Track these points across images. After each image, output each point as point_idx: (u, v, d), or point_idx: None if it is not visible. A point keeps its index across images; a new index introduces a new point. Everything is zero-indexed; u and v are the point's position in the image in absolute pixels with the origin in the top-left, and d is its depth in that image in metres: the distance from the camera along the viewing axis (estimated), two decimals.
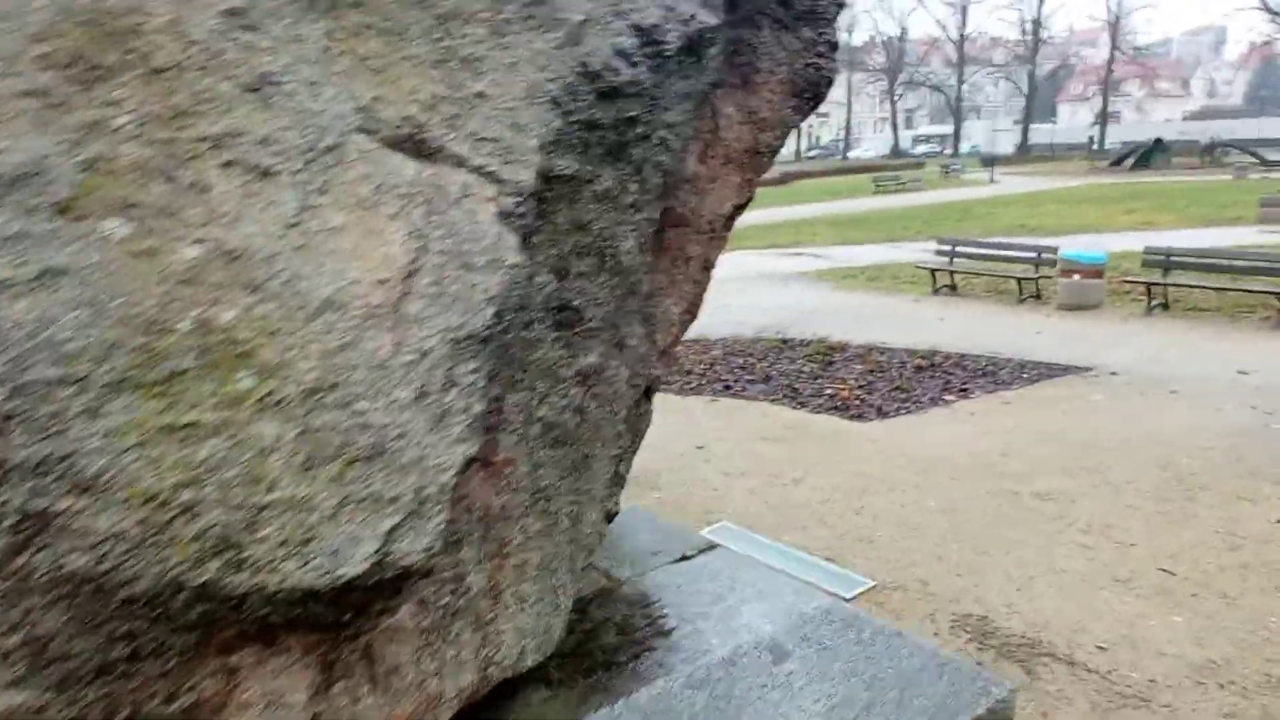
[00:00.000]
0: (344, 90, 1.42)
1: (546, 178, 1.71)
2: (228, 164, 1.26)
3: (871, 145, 58.27)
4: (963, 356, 7.58)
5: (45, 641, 1.07)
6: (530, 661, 1.97)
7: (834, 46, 2.62)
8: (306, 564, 1.15)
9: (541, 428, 1.83)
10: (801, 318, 9.43)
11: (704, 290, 2.70)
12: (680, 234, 2.54)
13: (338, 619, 1.26)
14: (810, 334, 8.59)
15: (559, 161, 1.72)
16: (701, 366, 7.57)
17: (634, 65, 1.84)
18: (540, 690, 2.07)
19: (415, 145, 1.49)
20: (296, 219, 1.29)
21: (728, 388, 6.88)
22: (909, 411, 6.16)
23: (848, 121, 59.42)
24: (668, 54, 1.95)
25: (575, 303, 1.86)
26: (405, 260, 1.35)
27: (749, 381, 7.04)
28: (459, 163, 1.53)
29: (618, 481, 2.63)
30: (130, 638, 1.10)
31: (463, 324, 1.39)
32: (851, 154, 55.82)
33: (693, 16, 2.02)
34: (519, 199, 1.59)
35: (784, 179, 35.06)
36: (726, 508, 4.50)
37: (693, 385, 7.05)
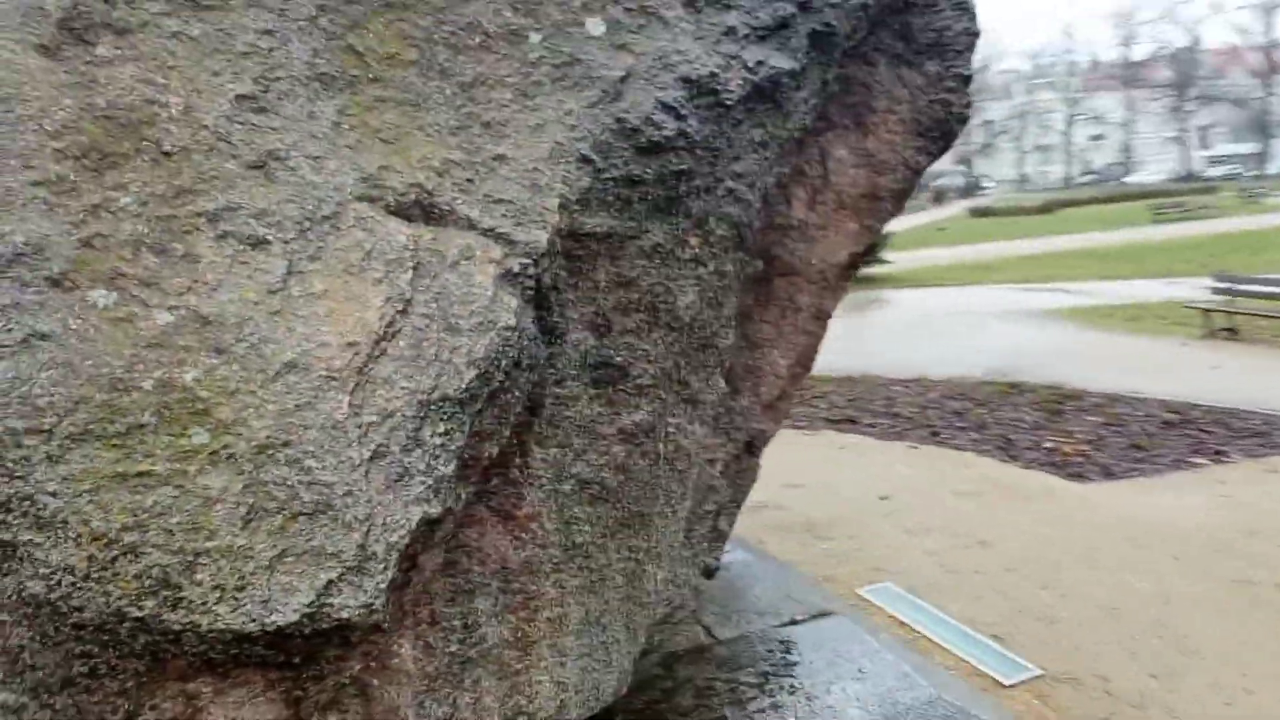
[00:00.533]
0: (349, 162, 1.51)
1: (576, 236, 1.70)
2: (222, 236, 1.38)
3: (1156, 168, 52.17)
4: (1229, 413, 6.56)
5: (17, 652, 1.22)
6: (575, 715, 1.95)
7: (966, 80, 2.41)
8: (237, 609, 1.22)
9: (575, 484, 1.82)
10: (1039, 360, 8.63)
11: (818, 341, 2.57)
12: (788, 283, 2.44)
13: (286, 660, 1.32)
14: (1044, 379, 7.84)
15: (589, 220, 1.71)
16: (912, 409, 7.14)
17: (680, 118, 1.79)
18: None
19: (423, 210, 1.56)
20: (279, 286, 1.39)
21: (934, 434, 6.44)
22: (1142, 474, 5.42)
23: (1126, 143, 53.85)
24: (728, 103, 1.88)
25: (617, 359, 1.83)
26: (379, 324, 1.41)
27: (959, 428, 6.54)
28: (469, 225, 1.58)
29: (716, 537, 2.55)
30: (86, 657, 1.23)
31: (435, 386, 1.42)
32: (1131, 178, 50.33)
33: (762, 62, 1.94)
34: (529, 260, 1.60)
35: (1047, 207, 32.37)
36: (896, 566, 4.18)
37: (896, 429, 6.67)
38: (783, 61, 2.00)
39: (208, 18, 1.47)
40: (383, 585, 1.32)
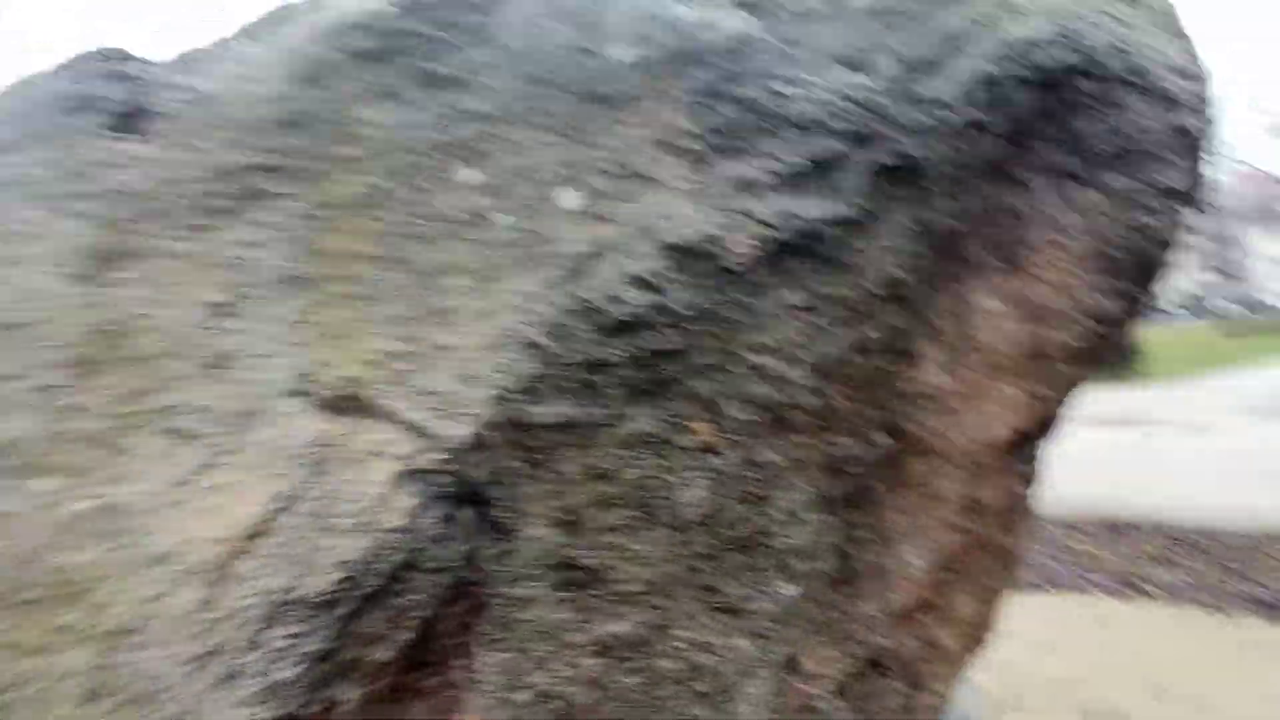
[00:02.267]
0: (291, 359, 1.62)
1: (523, 427, 1.60)
2: (167, 430, 1.57)
3: None
4: None
5: None
6: None
7: (1168, 193, 1.80)
8: None
9: (534, 695, 1.65)
10: None
11: (972, 539, 2.05)
12: (925, 465, 2.02)
13: None
14: None
15: (539, 409, 1.60)
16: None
17: (655, 291, 1.61)
18: None
19: (351, 403, 1.60)
20: (188, 478, 1.52)
21: (1269, 606, 4.56)
22: None
23: None
24: (733, 268, 1.64)
25: (586, 561, 1.65)
26: (253, 521, 1.46)
27: None
28: (390, 418, 1.58)
29: None
30: None
31: (292, 587, 1.42)
32: None
33: (789, 214, 1.66)
34: (446, 456, 1.54)
35: None
36: None
37: (1212, 599, 4.85)
38: (821, 210, 1.69)
39: (205, 236, 1.72)
40: None
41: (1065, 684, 4.16)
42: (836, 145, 1.70)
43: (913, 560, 2.03)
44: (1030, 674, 4.32)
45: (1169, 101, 1.86)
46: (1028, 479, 2.23)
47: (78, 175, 1.77)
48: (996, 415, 1.97)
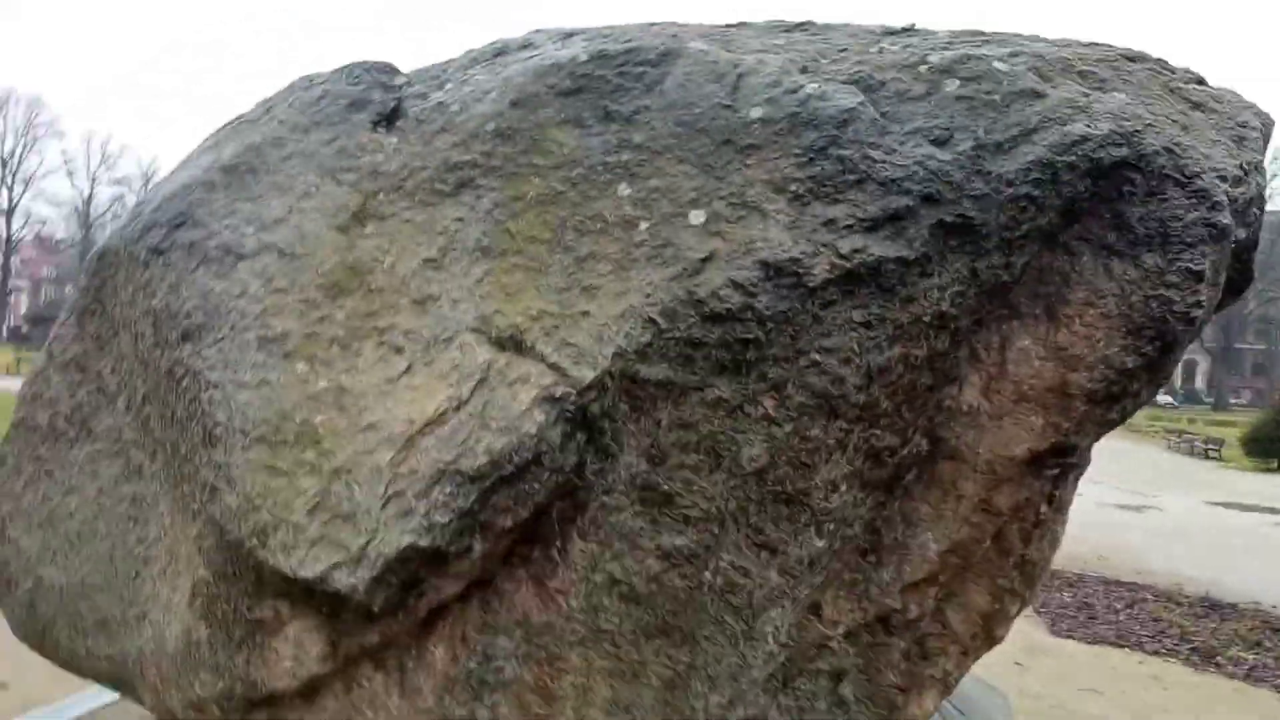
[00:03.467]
0: (475, 305, 2.23)
1: (634, 379, 2.15)
2: (381, 342, 2.22)
3: None
4: None
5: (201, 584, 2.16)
6: None
7: (1195, 276, 2.18)
8: (286, 560, 1.99)
9: (607, 578, 2.20)
10: None
11: (981, 536, 2.48)
12: (953, 468, 2.47)
13: (324, 610, 2.04)
14: None
15: (646, 369, 2.15)
16: None
17: (749, 294, 2.12)
18: None
19: (512, 343, 2.19)
20: (396, 377, 2.16)
21: None
22: None
23: None
24: (810, 285, 2.14)
25: (664, 487, 2.19)
26: (435, 413, 2.08)
27: None
28: (539, 358, 2.16)
29: (838, 702, 2.56)
30: (230, 575, 2.11)
31: (454, 461, 2.03)
32: None
33: (859, 250, 2.14)
34: (572, 390, 2.11)
35: None
36: None
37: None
38: (888, 250, 2.15)
39: (428, 211, 2.35)
40: (366, 578, 1.96)
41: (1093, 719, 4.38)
42: (909, 202, 2.16)
43: (930, 544, 2.47)
44: (1070, 709, 4.55)
45: (1208, 201, 2.22)
46: (1048, 498, 2.60)
47: (349, 154, 2.45)
48: (1019, 436, 2.38)
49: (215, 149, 2.58)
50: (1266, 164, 2.67)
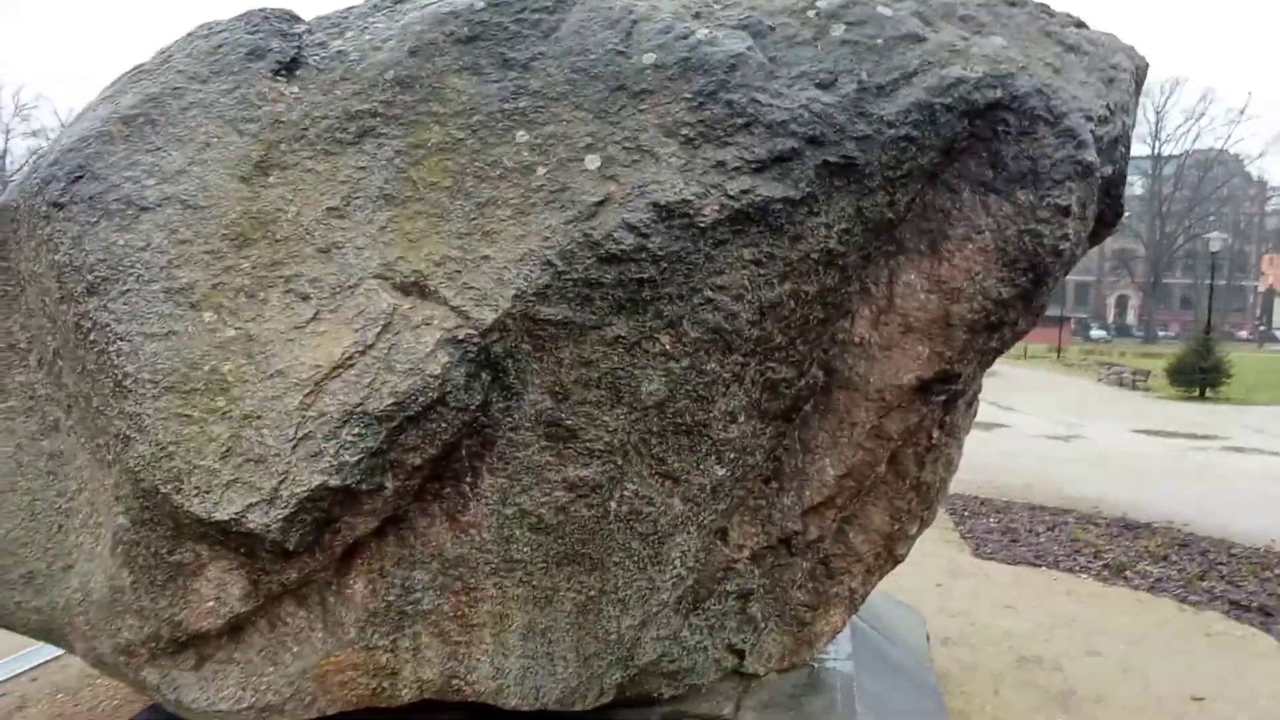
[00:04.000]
0: (379, 252, 2.28)
1: (534, 320, 2.23)
2: (288, 290, 2.27)
3: None
4: None
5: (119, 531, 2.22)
6: (513, 703, 2.43)
7: (1063, 211, 2.31)
8: (202, 504, 2.06)
9: (517, 511, 2.32)
10: None
11: (875, 460, 2.64)
12: (847, 397, 2.60)
13: (243, 549, 2.13)
14: None
15: (546, 309, 2.23)
16: None
17: (641, 235, 2.21)
18: None
19: (416, 288, 2.25)
20: (302, 324, 2.22)
21: (1240, 607, 4.89)
22: None
23: None
24: (701, 225, 2.23)
25: (568, 422, 2.29)
26: (341, 357, 2.15)
27: None
28: (442, 302, 2.23)
29: (746, 621, 2.72)
30: (148, 521, 2.18)
31: (360, 403, 2.11)
32: None
33: (747, 190, 2.23)
34: (475, 332, 2.19)
35: None
36: None
37: (1187, 593, 5.20)
38: (775, 190, 2.25)
39: (330, 160, 2.39)
40: (280, 518, 2.05)
41: (1010, 635, 4.65)
42: (794, 144, 2.25)
43: (827, 469, 2.62)
44: (984, 624, 4.83)
45: (1075, 139, 2.35)
46: (939, 424, 2.77)
47: (249, 104, 2.46)
48: (906, 365, 2.53)
49: (113, 100, 2.56)
50: (1154, 104, 2.82)
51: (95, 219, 2.34)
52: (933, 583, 5.62)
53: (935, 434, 2.82)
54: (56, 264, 2.38)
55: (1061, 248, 2.38)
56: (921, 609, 4.93)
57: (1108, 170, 2.48)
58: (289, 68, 2.52)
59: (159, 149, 2.42)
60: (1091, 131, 2.38)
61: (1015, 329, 2.56)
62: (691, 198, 2.24)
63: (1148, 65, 2.79)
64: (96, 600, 2.41)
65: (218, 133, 2.44)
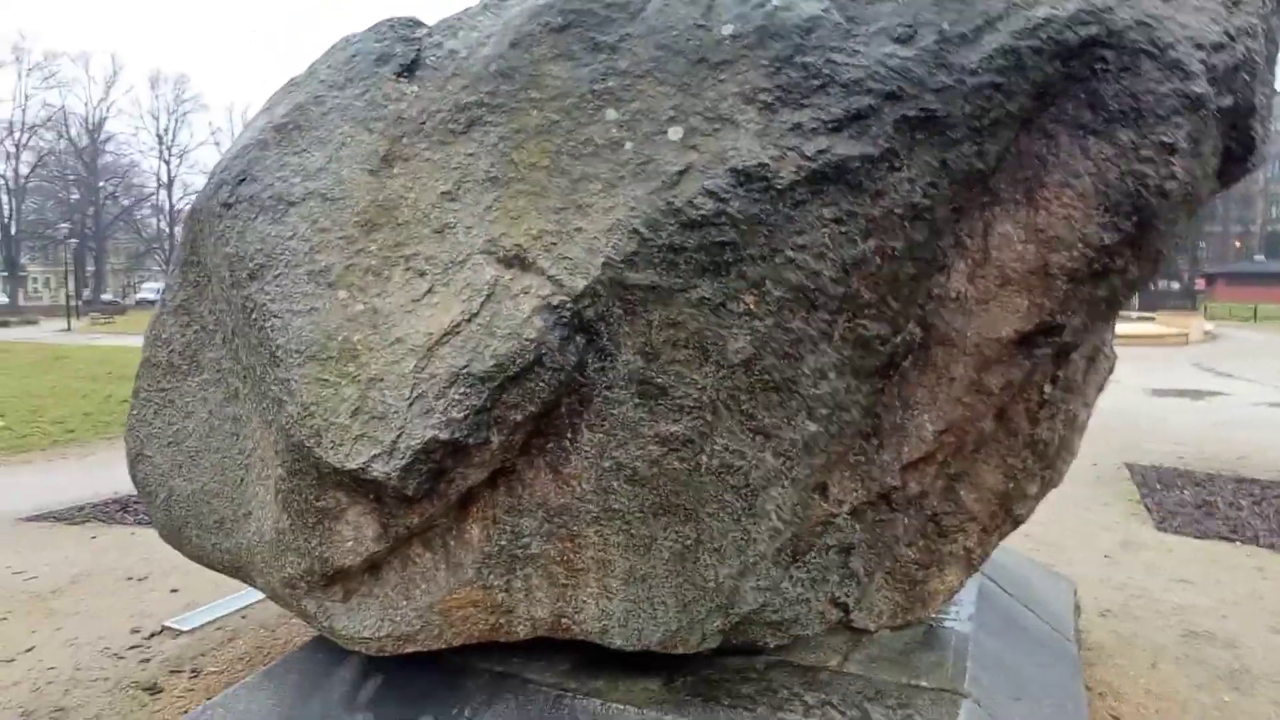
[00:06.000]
0: (486, 229, 2.51)
1: (624, 285, 2.39)
2: (408, 268, 2.54)
3: None
4: None
5: (278, 481, 2.58)
6: (618, 643, 2.62)
7: (1168, 149, 2.23)
8: (335, 455, 2.37)
9: (614, 464, 2.49)
10: None
11: (976, 416, 2.63)
12: (945, 352, 2.62)
13: (372, 495, 2.43)
14: None
15: (634, 275, 2.38)
16: None
17: (721, 200, 2.31)
18: (635, 675, 2.65)
19: (517, 260, 2.46)
20: (419, 298, 2.48)
21: None
22: None
23: None
24: (780, 188, 2.31)
25: (658, 380, 2.43)
26: (449, 325, 2.39)
27: None
28: (540, 272, 2.43)
29: (849, 575, 2.77)
30: (298, 471, 2.53)
31: (466, 365, 2.34)
32: None
33: (823, 150, 2.29)
34: (567, 298, 2.37)
35: None
36: None
37: None
38: (852, 149, 2.29)
39: (444, 149, 2.64)
40: (399, 467, 2.32)
41: (1182, 609, 4.34)
42: (871, 101, 2.27)
43: (926, 424, 2.61)
44: (1153, 597, 4.53)
45: (1181, 71, 2.22)
46: (1050, 379, 2.68)
47: (376, 105, 2.76)
48: (1004, 318, 2.47)
49: (269, 110, 2.95)
50: None
51: (254, 215, 2.71)
52: (1101, 554, 5.32)
53: (1047, 389, 2.73)
54: (227, 255, 2.78)
55: (1168, 188, 2.25)
56: (1083, 580, 4.70)
57: (1227, 101, 2.31)
58: (410, 69, 2.80)
59: (304, 150, 2.76)
60: (1202, 61, 2.24)
61: (1125, 277, 2.44)
62: (769, 161, 2.31)
63: None
64: (268, 541, 2.80)
65: (351, 132, 2.76)
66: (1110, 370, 3.19)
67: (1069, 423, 2.88)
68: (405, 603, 2.64)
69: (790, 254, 2.35)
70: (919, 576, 2.93)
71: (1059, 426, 2.84)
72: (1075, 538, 5.74)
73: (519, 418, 2.41)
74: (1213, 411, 11.73)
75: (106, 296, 61.66)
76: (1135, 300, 47.22)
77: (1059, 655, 3.32)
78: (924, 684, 2.72)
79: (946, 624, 3.08)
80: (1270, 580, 4.85)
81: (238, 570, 3.14)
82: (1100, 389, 3.15)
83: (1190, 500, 6.99)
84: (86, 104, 76.09)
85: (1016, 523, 2.98)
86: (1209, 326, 28.25)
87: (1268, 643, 3.99)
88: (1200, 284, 54.72)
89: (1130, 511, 6.56)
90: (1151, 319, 31.60)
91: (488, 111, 2.63)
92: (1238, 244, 62.02)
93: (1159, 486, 7.54)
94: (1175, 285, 55.26)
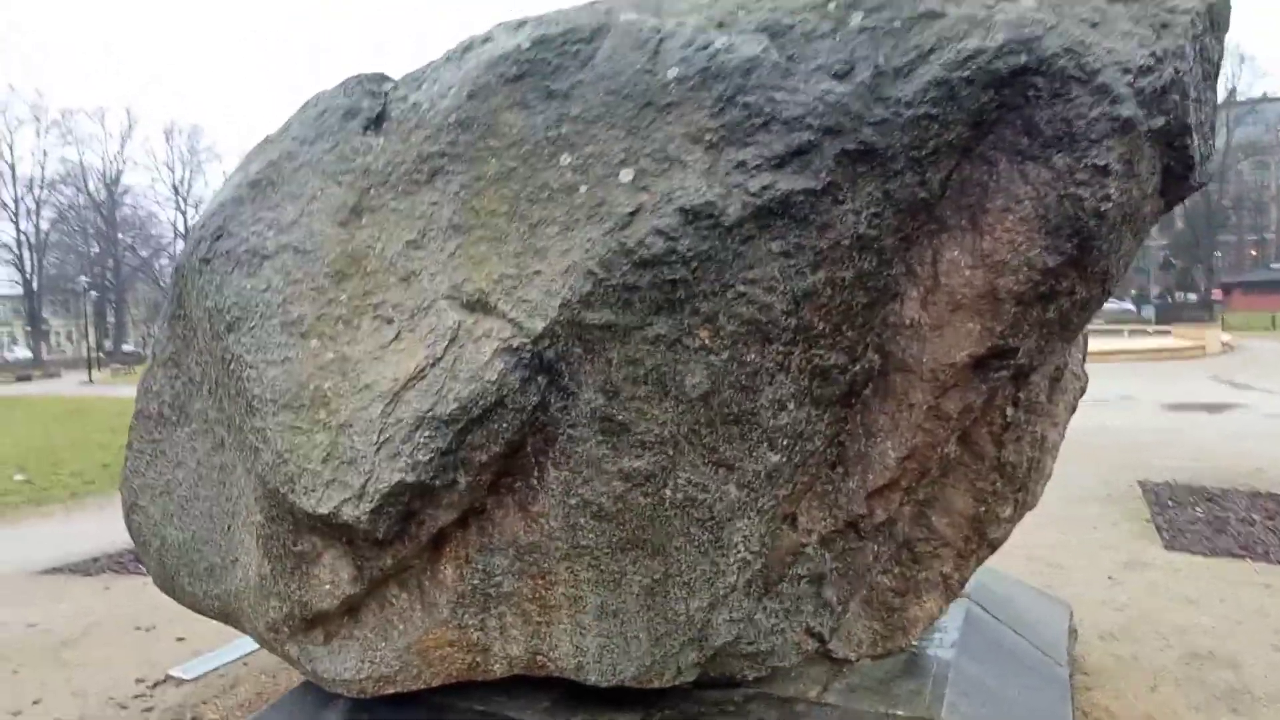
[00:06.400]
0: (449, 276, 2.59)
1: (582, 325, 2.46)
2: (375, 316, 2.62)
3: None
4: None
5: (258, 528, 2.65)
6: (593, 679, 2.65)
7: (1102, 171, 2.28)
8: (308, 500, 2.44)
9: (580, 500, 2.54)
10: None
11: (937, 442, 2.66)
12: (904, 379, 2.66)
13: (346, 539, 2.48)
14: None
15: (591, 315, 2.44)
16: None
17: (670, 239, 2.38)
18: (615, 711, 2.67)
19: (479, 304, 2.54)
20: (386, 344, 2.56)
21: None
22: None
23: None
24: (726, 224, 2.37)
25: (619, 417, 2.49)
26: (414, 370, 2.46)
27: None
28: (501, 315, 2.50)
29: (822, 605, 2.79)
30: (275, 518, 2.59)
31: (430, 408, 2.41)
32: None
33: (767, 186, 2.35)
34: (527, 340, 2.44)
35: None
36: None
37: None
38: (795, 183, 2.35)
39: (409, 199, 2.73)
40: (368, 510, 2.38)
41: (1184, 630, 4.29)
42: (810, 136, 2.34)
43: (889, 452, 2.65)
44: (1155, 618, 4.49)
45: (1105, 94, 2.27)
46: (1012, 401, 2.71)
47: (345, 159, 2.86)
48: (958, 343, 2.51)
49: (244, 167, 3.06)
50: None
51: (230, 269, 2.81)
52: (1104, 575, 5.27)
53: (1010, 412, 2.76)
54: (208, 309, 2.87)
55: (1104, 209, 2.30)
56: (1085, 602, 4.67)
57: (1158, 122, 2.36)
58: (376, 122, 2.91)
59: (277, 205, 2.87)
60: (1129, 84, 2.29)
61: (1074, 298, 2.48)
62: (715, 199, 2.37)
63: (1225, 1, 2.60)
64: (253, 586, 2.87)
65: (321, 186, 2.86)
66: (1082, 391, 3.21)
67: (1037, 444, 2.90)
68: (384, 644, 2.69)
69: (741, 288, 2.41)
70: (896, 604, 2.94)
71: (1026, 449, 2.86)
72: (1079, 558, 5.70)
73: (484, 458, 2.47)
74: (1229, 425, 11.61)
75: (127, 347, 62.65)
76: (1152, 314, 46.73)
77: (1047, 679, 3.31)
78: (900, 713, 2.72)
79: (929, 651, 3.08)
80: (1277, 597, 4.79)
81: (228, 616, 3.21)
82: (1072, 409, 3.18)
83: (1202, 516, 6.92)
84: (103, 158, 78.19)
85: (993, 547, 3.00)
86: (1226, 338, 27.96)
87: (1270, 661, 3.94)
88: (1217, 294, 54.16)
89: (1139, 531, 6.50)
90: (1168, 333, 31.31)
91: (449, 161, 2.72)
92: (1253, 252, 61.38)
93: (1171, 504, 7.46)
94: (1192, 297, 54.78)
